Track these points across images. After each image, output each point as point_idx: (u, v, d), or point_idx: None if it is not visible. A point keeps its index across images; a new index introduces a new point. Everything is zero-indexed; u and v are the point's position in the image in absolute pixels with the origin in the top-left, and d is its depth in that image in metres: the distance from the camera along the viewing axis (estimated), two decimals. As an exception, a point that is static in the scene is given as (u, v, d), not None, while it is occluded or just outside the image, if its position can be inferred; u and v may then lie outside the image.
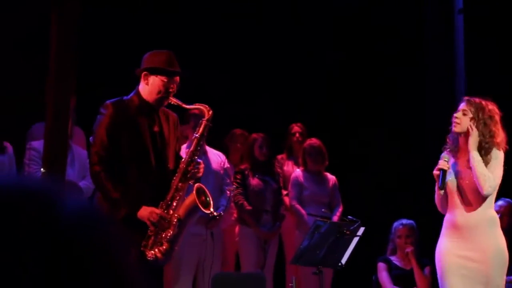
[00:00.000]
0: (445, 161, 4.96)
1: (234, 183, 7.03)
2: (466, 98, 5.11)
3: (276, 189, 7.23)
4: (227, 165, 6.98)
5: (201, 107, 4.75)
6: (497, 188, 5.00)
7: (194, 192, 4.54)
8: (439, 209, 5.12)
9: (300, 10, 8.57)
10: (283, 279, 7.18)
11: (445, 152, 5.09)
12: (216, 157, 6.80)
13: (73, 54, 4.88)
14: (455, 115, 5.03)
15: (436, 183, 5.00)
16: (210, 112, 4.71)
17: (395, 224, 6.89)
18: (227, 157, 7.29)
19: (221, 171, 6.80)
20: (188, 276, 6.48)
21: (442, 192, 4.96)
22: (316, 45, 8.49)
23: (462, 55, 7.66)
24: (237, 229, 7.19)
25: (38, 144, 5.65)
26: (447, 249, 4.98)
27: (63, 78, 4.83)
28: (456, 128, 5.01)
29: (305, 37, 8.47)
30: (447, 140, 5.14)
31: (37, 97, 5.39)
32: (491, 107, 5.04)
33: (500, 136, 5.02)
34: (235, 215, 7.18)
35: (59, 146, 4.89)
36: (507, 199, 6.80)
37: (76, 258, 0.76)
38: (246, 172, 7.12)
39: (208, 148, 6.74)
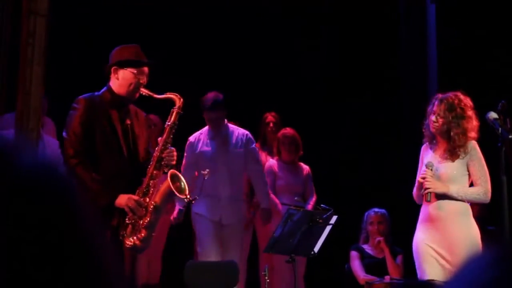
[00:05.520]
0: (429, 170, 5.01)
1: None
2: (440, 97, 5.13)
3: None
4: None
5: (172, 96, 4.82)
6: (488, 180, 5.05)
7: (168, 178, 4.64)
8: (417, 201, 5.20)
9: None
10: (256, 268, 7.19)
11: (429, 154, 5.13)
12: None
13: (44, 43, 4.86)
14: (432, 118, 5.06)
15: (417, 181, 5.07)
16: (181, 100, 4.79)
17: (368, 212, 6.93)
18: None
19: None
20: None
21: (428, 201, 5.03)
22: (291, 35, 8.49)
23: (434, 44, 7.70)
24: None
25: (8, 134, 5.62)
26: (422, 240, 5.04)
27: (33, 67, 4.81)
28: (434, 130, 5.08)
29: (278, 27, 8.47)
30: (424, 132, 5.20)
31: (8, 87, 5.35)
32: (463, 103, 5.06)
33: (473, 129, 5.06)
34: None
35: (30, 134, 4.87)
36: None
37: (35, 205, 0.75)
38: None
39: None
